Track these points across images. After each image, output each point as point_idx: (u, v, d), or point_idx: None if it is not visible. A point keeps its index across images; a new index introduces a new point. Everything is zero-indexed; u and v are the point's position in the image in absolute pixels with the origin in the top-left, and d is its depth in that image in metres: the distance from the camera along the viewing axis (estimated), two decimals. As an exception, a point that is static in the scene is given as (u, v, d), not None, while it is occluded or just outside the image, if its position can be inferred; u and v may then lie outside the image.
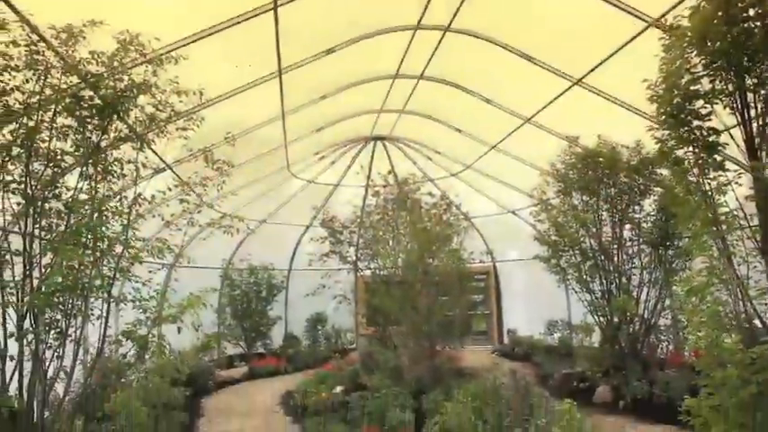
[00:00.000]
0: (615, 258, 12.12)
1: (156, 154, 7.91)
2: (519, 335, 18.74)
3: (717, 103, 5.63)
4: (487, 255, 18.52)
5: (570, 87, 10.49)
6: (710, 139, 5.68)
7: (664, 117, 5.81)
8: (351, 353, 17.54)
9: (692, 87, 5.59)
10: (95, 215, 6.63)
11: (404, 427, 8.09)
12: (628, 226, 12.12)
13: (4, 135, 6.37)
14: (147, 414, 8.97)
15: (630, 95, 9.82)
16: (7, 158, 6.37)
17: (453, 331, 12.88)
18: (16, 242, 6.63)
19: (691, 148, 5.83)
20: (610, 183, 11.86)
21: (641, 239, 12.07)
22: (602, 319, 12.51)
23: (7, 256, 6.51)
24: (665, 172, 11.30)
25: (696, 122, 5.71)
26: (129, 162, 7.10)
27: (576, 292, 12.90)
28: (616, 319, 12.20)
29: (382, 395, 9.73)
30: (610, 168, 11.61)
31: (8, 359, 6.24)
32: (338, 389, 11.62)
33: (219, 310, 17.52)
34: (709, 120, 5.70)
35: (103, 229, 6.59)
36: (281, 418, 11.58)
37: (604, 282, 12.23)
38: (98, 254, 6.63)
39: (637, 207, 12.00)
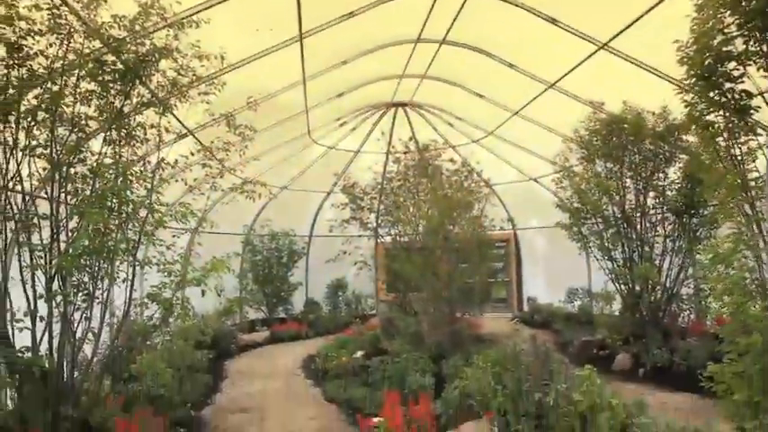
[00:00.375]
0: (638, 226, 12.00)
1: (178, 120, 7.94)
2: (538, 302, 18.74)
3: (750, 65, 5.47)
4: (508, 222, 18.39)
5: (596, 52, 10.25)
6: (742, 103, 5.55)
7: (694, 79, 5.67)
8: (371, 319, 17.70)
9: (724, 48, 5.43)
10: (120, 179, 6.71)
11: (424, 391, 8.16)
12: (652, 194, 11.96)
13: (28, 100, 6.44)
14: (171, 375, 9.16)
15: (658, 60, 9.58)
16: (33, 124, 6.45)
17: (473, 298, 12.90)
18: (43, 206, 6.75)
19: (721, 112, 5.69)
20: (634, 150, 11.68)
21: (665, 207, 11.92)
22: (623, 287, 12.45)
23: (35, 220, 6.65)
24: (691, 138, 11.10)
25: (728, 85, 5.57)
26: (151, 127, 7.14)
27: (597, 259, 12.83)
28: (638, 288, 12.14)
29: (402, 360, 9.83)
30: (635, 135, 11.42)
31: (38, 320, 6.41)
32: (359, 353, 11.76)
33: (241, 276, 17.73)
34: (742, 82, 5.55)
35: (128, 193, 6.68)
36: (303, 381, 11.78)
37: (626, 250, 12.15)
38: (123, 217, 6.73)
39: (661, 174, 11.82)
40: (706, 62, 5.54)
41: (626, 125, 11.43)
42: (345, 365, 11.11)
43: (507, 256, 20.46)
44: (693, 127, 6.20)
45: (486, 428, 5.70)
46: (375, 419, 6.98)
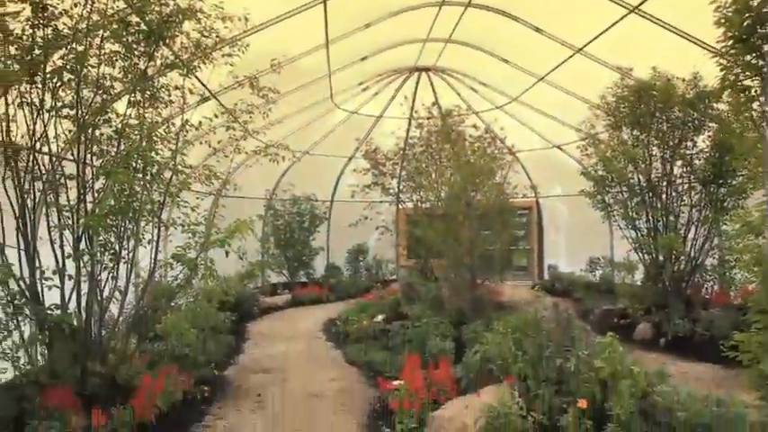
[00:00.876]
0: (663, 196, 11.83)
1: (202, 83, 7.92)
2: (559, 271, 18.68)
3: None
4: (531, 190, 18.26)
5: (626, 15, 9.98)
6: (780, 66, 5.37)
7: (731, 41, 5.48)
8: (391, 284, 17.80)
9: (765, 9, 5.23)
10: (144, 141, 6.76)
11: (444, 356, 8.23)
12: (679, 162, 11.75)
13: (54, 61, 6.47)
14: (195, 336, 9.32)
15: (690, 25, 9.32)
16: (59, 85, 6.48)
17: (494, 265, 12.87)
18: (69, 168, 6.83)
19: (758, 76, 5.52)
20: (662, 117, 11.45)
21: (692, 177, 11.72)
22: (646, 256, 12.34)
23: (62, 181, 6.74)
24: (722, 106, 10.84)
25: (766, 47, 5.38)
26: (176, 88, 7.14)
27: (620, 228, 12.70)
28: (661, 258, 12.02)
29: (423, 324, 9.89)
30: (663, 102, 11.17)
31: (66, 279, 6.54)
32: (379, 317, 11.86)
33: (263, 240, 17.88)
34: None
35: (153, 154, 6.73)
36: (323, 343, 11.93)
37: (651, 219, 12.00)
38: (148, 179, 6.79)
39: (689, 143, 11.58)
40: (745, 23, 5.34)
41: (654, 92, 11.19)
42: (366, 329, 11.22)
43: (529, 224, 20.36)
44: (728, 92, 6.03)
45: (507, 393, 5.73)
46: (395, 382, 7.07)
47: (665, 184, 11.77)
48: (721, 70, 5.82)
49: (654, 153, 11.77)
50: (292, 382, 9.05)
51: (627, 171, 11.98)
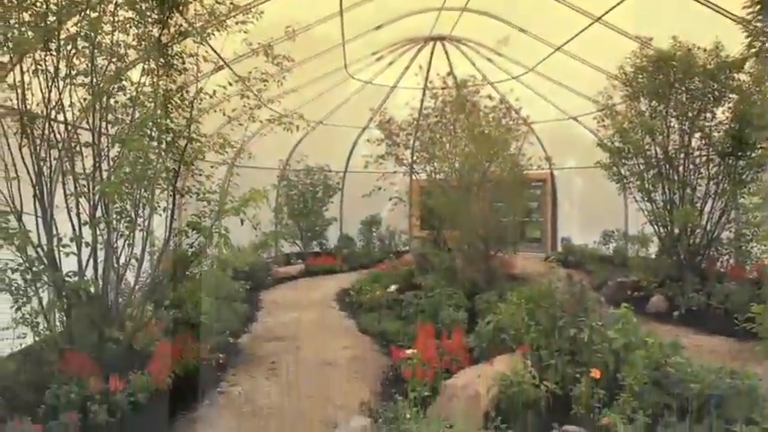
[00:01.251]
0: (681, 168, 11.71)
1: (215, 51, 7.86)
2: (573, 243, 18.61)
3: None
4: (545, 161, 18.11)
5: (648, -18, 9.77)
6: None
7: (758, 7, 5.34)
8: (405, 254, 17.84)
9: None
10: (159, 109, 6.74)
11: (457, 325, 8.27)
12: (697, 134, 11.59)
13: (68, 29, 6.44)
14: (210, 304, 9.42)
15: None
16: (73, 52, 6.46)
17: (507, 237, 12.86)
18: (85, 136, 6.84)
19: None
20: (682, 88, 11.27)
21: (710, 149, 11.56)
22: (662, 229, 12.26)
23: (78, 148, 6.76)
24: (743, 77, 10.65)
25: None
26: (190, 56, 7.10)
27: (636, 201, 12.60)
28: (677, 230, 11.94)
29: (436, 294, 9.93)
30: (683, 73, 10.98)
31: (83, 246, 6.61)
32: (392, 287, 11.91)
33: (277, 210, 17.94)
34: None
35: (167, 122, 6.72)
36: (337, 312, 12.03)
37: (667, 192, 11.89)
38: (163, 146, 6.80)
39: (708, 114, 11.41)
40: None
41: (674, 62, 11.00)
42: (379, 299, 11.28)
43: (543, 196, 20.25)
44: (750, 62, 5.89)
45: (520, 362, 5.76)
46: (408, 351, 7.11)
47: (682, 156, 11.64)
48: (747, 37, 5.68)
49: (672, 125, 11.62)
50: (306, 350, 9.15)
51: (644, 143, 11.85)
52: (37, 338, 6.62)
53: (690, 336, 9.16)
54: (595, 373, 5.45)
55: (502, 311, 7.18)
